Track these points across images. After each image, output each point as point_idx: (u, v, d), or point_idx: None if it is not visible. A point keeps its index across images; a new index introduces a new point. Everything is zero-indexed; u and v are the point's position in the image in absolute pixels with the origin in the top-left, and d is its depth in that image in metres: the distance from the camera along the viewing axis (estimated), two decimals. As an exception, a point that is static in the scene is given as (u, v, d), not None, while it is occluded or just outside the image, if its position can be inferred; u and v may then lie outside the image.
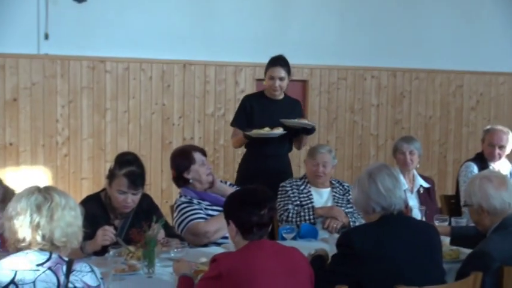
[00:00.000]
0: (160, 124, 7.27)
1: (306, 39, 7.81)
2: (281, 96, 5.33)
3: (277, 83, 5.18)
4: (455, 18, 8.66)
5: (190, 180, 4.28)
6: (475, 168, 5.30)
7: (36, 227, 2.49)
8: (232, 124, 5.39)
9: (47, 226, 2.50)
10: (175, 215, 4.27)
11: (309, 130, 5.28)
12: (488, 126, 5.55)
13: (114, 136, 7.07)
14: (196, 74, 7.42)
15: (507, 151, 5.38)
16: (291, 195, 4.69)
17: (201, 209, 4.22)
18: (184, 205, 4.21)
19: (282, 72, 5.20)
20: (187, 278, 3.10)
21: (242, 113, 5.31)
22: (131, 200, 3.84)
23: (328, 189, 4.77)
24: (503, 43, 8.95)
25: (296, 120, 5.22)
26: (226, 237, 4.01)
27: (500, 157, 5.35)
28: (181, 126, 7.38)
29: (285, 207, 4.63)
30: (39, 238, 2.49)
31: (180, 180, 4.33)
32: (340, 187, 4.80)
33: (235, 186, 4.50)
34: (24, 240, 2.49)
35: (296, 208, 4.62)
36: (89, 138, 6.97)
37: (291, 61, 7.77)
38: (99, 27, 6.92)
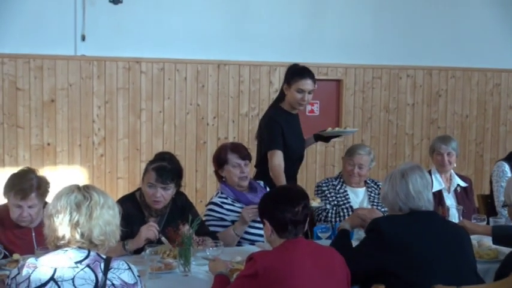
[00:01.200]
0: (195, 124, 7.31)
1: (340, 38, 7.77)
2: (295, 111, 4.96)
3: (307, 96, 4.75)
4: (491, 15, 8.53)
5: (223, 178, 4.33)
6: (506, 167, 5.25)
7: (75, 225, 2.52)
8: (272, 147, 4.69)
9: (86, 224, 2.53)
10: (205, 213, 4.32)
11: (328, 139, 5.17)
12: None
13: (149, 136, 7.13)
14: (231, 74, 7.44)
15: None
16: (328, 195, 4.69)
17: (228, 215, 4.24)
18: (213, 208, 4.26)
19: (311, 85, 4.76)
20: (223, 276, 3.12)
21: (279, 136, 4.73)
22: (160, 194, 3.87)
23: (364, 188, 4.77)
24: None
25: (338, 129, 5.12)
26: (261, 235, 4.02)
27: None
28: (216, 127, 7.40)
29: (323, 207, 4.62)
30: (78, 236, 2.52)
31: (217, 175, 4.40)
32: (375, 186, 4.78)
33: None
34: (63, 238, 2.52)
35: (335, 208, 4.61)
36: (125, 138, 7.04)
37: (326, 60, 7.84)
38: (134, 28, 6.98)
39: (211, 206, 4.28)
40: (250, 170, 4.44)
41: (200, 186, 7.31)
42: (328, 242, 3.82)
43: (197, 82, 7.30)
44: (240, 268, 3.17)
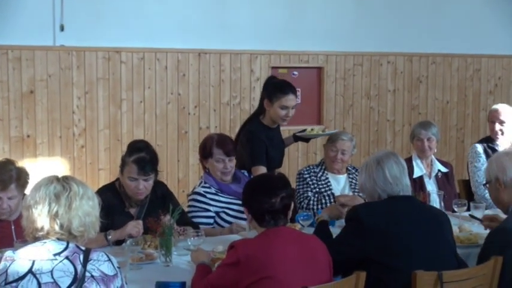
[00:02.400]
0: (176, 114, 7.28)
1: (320, 25, 7.76)
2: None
3: (291, 112, 4.67)
4: (471, 1, 8.56)
5: (207, 169, 4.33)
6: (479, 148, 5.32)
7: (54, 216, 2.50)
8: (256, 163, 4.61)
9: (65, 215, 2.51)
10: (188, 203, 4.30)
11: (308, 139, 5.21)
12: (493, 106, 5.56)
13: (130, 126, 7.09)
14: (211, 63, 7.40)
15: (509, 127, 5.34)
16: (310, 182, 4.69)
17: (211, 205, 4.23)
18: (196, 198, 4.25)
19: (294, 100, 4.68)
20: (205, 266, 3.12)
21: (263, 153, 4.68)
22: (143, 186, 3.85)
23: (345, 175, 4.78)
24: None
25: (317, 131, 5.14)
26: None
27: (502, 133, 5.31)
28: (197, 116, 7.37)
29: (305, 195, 4.63)
30: (57, 227, 2.50)
31: (202, 164, 4.40)
32: (357, 173, 4.77)
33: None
34: (42, 229, 2.50)
35: (316, 195, 4.62)
36: (105, 129, 6.99)
37: (306, 48, 7.82)
38: (113, 18, 6.92)
39: (194, 196, 4.27)
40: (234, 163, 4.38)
41: (182, 176, 7.29)
42: (310, 230, 3.84)
43: (178, 71, 7.27)
44: (222, 257, 3.17)
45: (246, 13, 7.47)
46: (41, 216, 2.50)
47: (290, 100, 4.65)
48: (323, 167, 4.76)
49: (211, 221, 4.24)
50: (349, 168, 4.81)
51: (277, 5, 7.60)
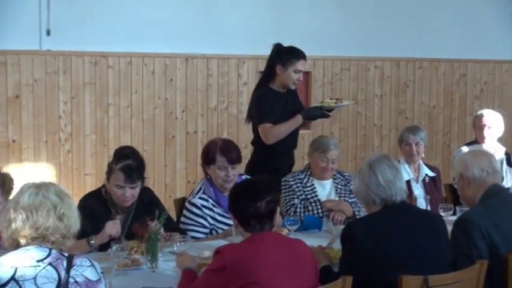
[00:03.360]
0: (163, 118, 7.25)
1: (308, 30, 7.76)
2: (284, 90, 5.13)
3: (301, 76, 5.08)
4: (457, 6, 8.61)
5: (208, 176, 4.24)
6: (465, 150, 5.32)
7: (34, 223, 2.48)
8: (263, 121, 4.90)
9: (45, 223, 2.49)
10: (183, 211, 4.23)
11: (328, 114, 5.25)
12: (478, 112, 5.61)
13: (117, 131, 7.06)
14: (199, 68, 7.39)
15: (496, 131, 5.38)
16: (296, 189, 4.66)
17: (206, 220, 4.16)
18: (192, 210, 4.16)
19: (307, 66, 5.15)
20: (190, 271, 3.11)
21: (268, 108, 4.94)
22: (130, 194, 3.83)
23: (330, 180, 4.75)
24: (506, 31, 8.90)
25: (334, 104, 5.22)
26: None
27: (489, 138, 5.35)
28: (185, 120, 7.36)
29: (291, 202, 4.61)
30: (37, 234, 2.48)
31: (204, 170, 4.30)
32: (341, 177, 4.78)
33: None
34: (23, 236, 2.49)
35: (303, 202, 4.59)
36: (92, 134, 6.95)
37: (294, 53, 7.82)
38: (100, 22, 6.88)
39: (191, 207, 4.18)
40: (239, 170, 4.38)
41: (169, 181, 7.26)
42: (297, 234, 3.84)
43: (165, 76, 7.25)
44: (208, 263, 3.15)
45: (234, 18, 7.46)
46: (21, 224, 2.48)
47: (304, 65, 5.06)
48: (308, 173, 4.74)
49: (205, 236, 4.17)
50: (335, 173, 4.79)
51: (264, 9, 7.60)
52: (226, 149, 4.17)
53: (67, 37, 6.74)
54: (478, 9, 8.71)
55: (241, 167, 4.66)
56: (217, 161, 4.13)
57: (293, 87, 5.08)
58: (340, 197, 4.65)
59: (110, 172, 3.88)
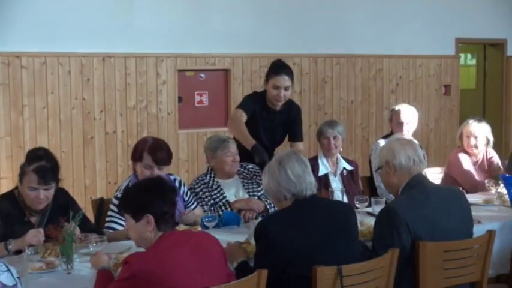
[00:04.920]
0: (81, 119, 7.13)
1: (225, 28, 7.80)
2: (280, 108, 5.02)
3: (282, 92, 4.86)
4: (372, 3, 8.83)
5: (135, 173, 4.23)
6: (382, 143, 5.45)
7: None
8: (239, 107, 4.91)
9: None
10: (110, 206, 4.21)
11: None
12: (394, 106, 5.74)
13: (33, 133, 6.89)
14: (116, 67, 7.31)
15: (412, 127, 5.56)
16: (202, 196, 4.49)
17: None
18: (115, 203, 4.15)
19: (287, 82, 4.86)
20: (105, 272, 3.05)
21: (252, 102, 4.93)
22: (44, 195, 3.75)
23: (235, 177, 4.63)
24: (419, 27, 9.19)
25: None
26: None
27: (408, 132, 5.52)
28: (103, 121, 7.26)
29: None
30: None
31: (133, 165, 4.28)
32: (246, 171, 4.70)
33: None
34: None
35: (212, 208, 4.43)
36: (7, 136, 6.77)
37: (212, 50, 7.85)
38: (13, 22, 6.72)
39: (115, 201, 4.14)
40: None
41: (89, 182, 7.15)
42: (215, 231, 3.84)
43: (82, 76, 7.13)
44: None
45: (151, 16, 7.42)
46: None
47: (282, 81, 4.82)
48: (212, 175, 4.58)
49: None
50: (238, 167, 4.63)
51: (181, 8, 7.58)
52: (155, 149, 4.12)
53: (-22, 37, 6.55)
54: (392, 5, 8.96)
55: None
56: (144, 159, 4.11)
57: (277, 104, 4.94)
58: (248, 191, 4.57)
59: (22, 174, 3.79)
